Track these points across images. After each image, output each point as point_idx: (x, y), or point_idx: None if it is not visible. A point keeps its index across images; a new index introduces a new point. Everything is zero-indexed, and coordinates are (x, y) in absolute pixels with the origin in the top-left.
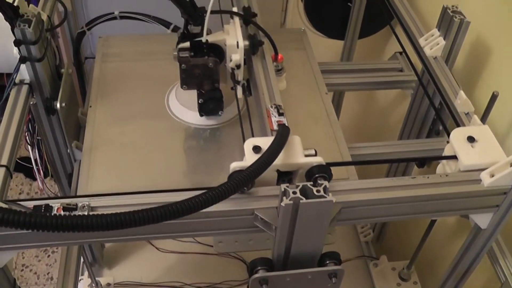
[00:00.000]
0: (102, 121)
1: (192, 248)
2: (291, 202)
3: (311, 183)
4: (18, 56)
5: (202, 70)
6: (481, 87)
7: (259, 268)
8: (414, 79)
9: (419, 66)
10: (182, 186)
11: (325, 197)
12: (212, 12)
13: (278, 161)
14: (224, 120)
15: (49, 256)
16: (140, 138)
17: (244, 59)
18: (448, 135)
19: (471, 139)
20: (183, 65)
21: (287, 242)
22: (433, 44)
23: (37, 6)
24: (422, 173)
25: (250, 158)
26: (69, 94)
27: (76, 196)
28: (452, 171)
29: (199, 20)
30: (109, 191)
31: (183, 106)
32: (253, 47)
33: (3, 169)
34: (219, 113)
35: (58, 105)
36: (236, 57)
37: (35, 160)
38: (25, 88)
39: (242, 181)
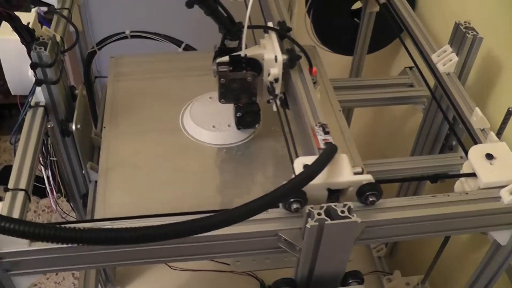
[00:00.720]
0: (117, 142)
1: (205, 266)
2: (316, 223)
3: (335, 203)
4: (33, 79)
5: (240, 84)
6: (493, 103)
7: None
8: (425, 94)
9: (430, 81)
10: (201, 208)
11: (350, 218)
12: (249, 27)
13: (328, 179)
14: (240, 139)
15: (57, 274)
16: (156, 159)
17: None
18: (465, 151)
19: (489, 156)
20: (222, 79)
21: (311, 262)
22: (445, 60)
23: (48, 27)
24: (435, 189)
25: None
26: (83, 115)
27: (97, 220)
28: (471, 189)
29: (237, 35)
30: (127, 214)
31: (198, 126)
32: (291, 61)
33: (22, 193)
34: (256, 126)
35: (73, 127)
36: (274, 71)
37: (48, 180)
38: (40, 111)
39: (283, 194)
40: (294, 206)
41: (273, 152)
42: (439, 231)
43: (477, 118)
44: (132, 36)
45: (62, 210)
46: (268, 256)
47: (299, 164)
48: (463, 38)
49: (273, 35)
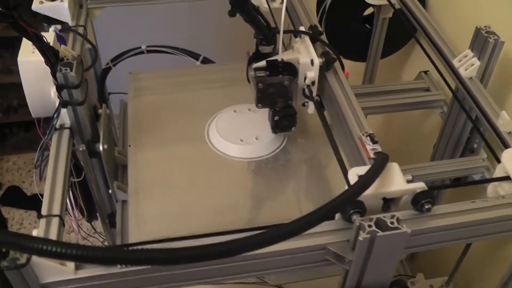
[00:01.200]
0: (143, 160)
1: None
2: (368, 236)
3: (383, 215)
4: (57, 100)
5: (277, 88)
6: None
7: None
8: (442, 98)
9: (447, 84)
10: (239, 224)
11: (400, 229)
12: (284, 32)
13: (383, 189)
14: (269, 152)
15: None
16: (185, 176)
17: None
18: (494, 153)
19: None
20: (259, 84)
21: (360, 273)
22: (467, 65)
23: (65, 46)
24: (454, 193)
25: None
26: (107, 134)
27: (142, 243)
28: (506, 192)
29: (272, 40)
30: (162, 234)
31: (226, 140)
32: (327, 64)
33: (56, 219)
34: (292, 129)
35: (101, 147)
36: (311, 74)
37: (71, 202)
38: (66, 133)
39: (339, 205)
40: (354, 217)
41: (303, 163)
42: (476, 236)
43: (503, 121)
44: (149, 51)
45: (83, 231)
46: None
47: (353, 174)
48: (484, 42)
49: (307, 39)
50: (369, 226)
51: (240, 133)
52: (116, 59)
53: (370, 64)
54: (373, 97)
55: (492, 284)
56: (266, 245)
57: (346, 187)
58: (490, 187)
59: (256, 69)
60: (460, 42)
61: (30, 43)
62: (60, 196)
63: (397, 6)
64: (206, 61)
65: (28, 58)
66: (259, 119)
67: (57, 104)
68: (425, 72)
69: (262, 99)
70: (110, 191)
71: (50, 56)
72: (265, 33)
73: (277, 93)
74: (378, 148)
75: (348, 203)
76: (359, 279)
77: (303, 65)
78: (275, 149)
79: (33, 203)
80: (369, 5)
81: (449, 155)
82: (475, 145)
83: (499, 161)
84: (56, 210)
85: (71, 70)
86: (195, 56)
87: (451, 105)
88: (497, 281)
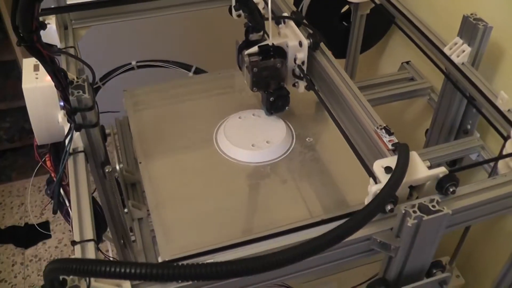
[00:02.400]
0: (157, 175)
1: None
2: (416, 221)
3: (423, 199)
4: (66, 125)
5: (270, 71)
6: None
7: None
8: (429, 85)
9: (435, 72)
10: (264, 227)
11: (442, 211)
12: (272, 18)
13: (410, 177)
14: (281, 154)
15: None
16: (201, 186)
17: None
18: (497, 130)
19: None
20: (254, 68)
21: (405, 259)
22: (458, 51)
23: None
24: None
25: (384, 178)
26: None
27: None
28: None
29: (262, 28)
30: (193, 246)
31: (237, 147)
32: (315, 44)
33: (91, 244)
34: (286, 108)
35: (117, 167)
36: (301, 55)
37: None
38: (81, 157)
39: (384, 199)
40: (389, 207)
41: (315, 162)
42: (497, 211)
43: (503, 101)
44: (139, 67)
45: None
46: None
47: (378, 167)
48: (473, 29)
49: (292, 24)
50: (414, 212)
51: (250, 138)
52: (106, 78)
53: (350, 60)
54: (363, 90)
55: (491, 260)
56: (325, 248)
57: (371, 181)
58: (501, 164)
59: (249, 54)
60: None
61: (31, 69)
62: (89, 220)
63: (378, 1)
64: (198, 71)
65: (33, 84)
66: (266, 123)
67: (66, 128)
68: (407, 62)
69: (257, 83)
70: (125, 210)
71: (62, 79)
72: (258, 20)
73: (270, 76)
74: (395, 139)
75: (391, 196)
76: (403, 265)
77: (292, 47)
78: (286, 150)
79: (8, 235)
80: (347, 2)
81: (444, 139)
82: (469, 126)
83: (505, 139)
84: (89, 234)
85: (84, 92)
86: (187, 67)
87: (443, 90)
88: (496, 256)
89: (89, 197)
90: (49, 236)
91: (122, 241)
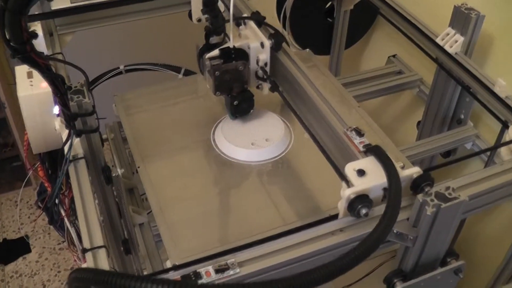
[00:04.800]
0: (158, 179)
1: None
2: (434, 209)
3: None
4: (63, 132)
5: (232, 74)
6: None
7: (395, 280)
8: (418, 78)
9: (423, 63)
10: (270, 225)
11: (459, 198)
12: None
13: (383, 179)
14: (281, 151)
15: None
16: (203, 187)
17: None
18: (497, 117)
19: None
20: (216, 72)
21: (422, 248)
22: (451, 42)
23: None
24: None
25: (356, 181)
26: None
27: (208, 258)
28: None
29: (222, 30)
30: (202, 249)
31: (237, 146)
32: (277, 44)
33: (103, 250)
34: (250, 111)
35: (119, 172)
36: (263, 56)
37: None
38: (82, 163)
39: (396, 209)
40: (363, 211)
41: (314, 158)
42: (506, 195)
43: (500, 88)
44: (127, 71)
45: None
46: None
47: (351, 170)
48: (466, 18)
49: (252, 24)
50: (431, 200)
51: (249, 138)
52: (94, 83)
53: (335, 56)
54: (350, 87)
55: (489, 251)
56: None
57: (344, 184)
58: (504, 150)
59: (210, 58)
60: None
61: (25, 76)
62: (98, 227)
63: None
64: (188, 73)
65: (29, 92)
66: (262, 122)
67: (63, 136)
68: (393, 56)
69: (220, 87)
70: (126, 216)
71: (60, 85)
72: (220, 23)
73: (233, 79)
74: (366, 140)
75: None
76: (419, 255)
77: (254, 49)
78: (286, 148)
79: None
80: None
81: (437, 130)
82: (462, 116)
83: (505, 125)
84: (99, 241)
85: (84, 97)
86: (177, 69)
87: (435, 80)
88: (494, 241)
89: (94, 204)
90: (29, 251)
91: (122, 248)
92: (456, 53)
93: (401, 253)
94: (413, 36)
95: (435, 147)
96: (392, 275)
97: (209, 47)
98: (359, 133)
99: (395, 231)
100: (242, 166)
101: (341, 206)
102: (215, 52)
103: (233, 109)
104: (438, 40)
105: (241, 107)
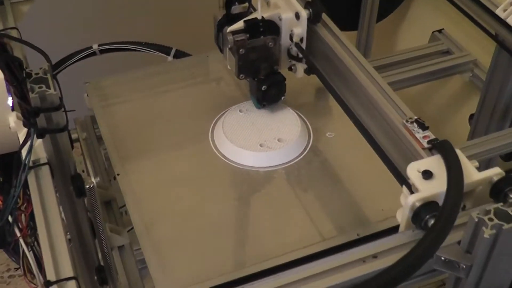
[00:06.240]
0: (142, 190)
1: None
2: (494, 231)
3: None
4: (20, 131)
5: (260, 53)
6: None
7: None
8: (471, 59)
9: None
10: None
11: None
12: None
13: None
14: (297, 154)
15: None
16: (200, 201)
17: None
18: None
19: None
20: (241, 49)
21: (478, 279)
22: None
23: None
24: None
25: (422, 186)
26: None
27: None
28: None
29: None
30: (197, 279)
31: (242, 148)
32: (316, 16)
33: (72, 282)
34: (282, 98)
35: (93, 181)
36: (298, 30)
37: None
38: (45, 171)
39: (451, 219)
40: (432, 222)
41: (337, 161)
42: None
43: None
44: (103, 51)
45: None
46: None
47: (414, 171)
48: None
49: None
50: (490, 219)
51: (257, 137)
52: (58, 67)
53: (364, 32)
54: (385, 70)
55: None
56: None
57: (405, 189)
58: None
59: (233, 32)
60: None
61: None
62: (66, 253)
63: None
64: (180, 54)
65: None
66: (273, 117)
67: (20, 136)
68: (439, 31)
69: (244, 68)
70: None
71: (17, 71)
72: None
73: (260, 58)
74: (431, 134)
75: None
76: (476, 285)
77: (287, 20)
78: (303, 150)
79: None
80: None
81: (495, 125)
82: None
83: None
84: (67, 271)
85: (48, 87)
86: (166, 50)
87: (494, 63)
88: None
89: (62, 224)
90: None
91: (95, 278)
92: None
93: (451, 285)
94: (465, 5)
95: (493, 147)
96: None
97: (230, 19)
98: (423, 126)
99: (442, 257)
100: (248, 173)
101: (403, 216)
102: (239, 24)
103: (260, 96)
104: (498, 12)
105: (270, 93)
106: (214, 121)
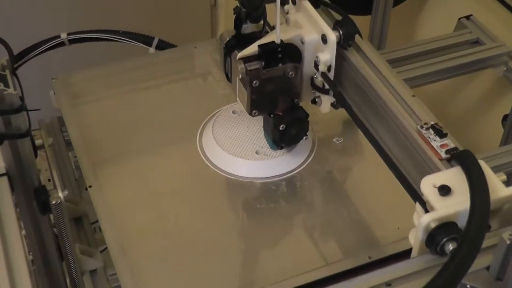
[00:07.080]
0: (119, 204)
1: None
2: None
3: None
4: None
5: (277, 84)
6: None
7: None
8: (505, 50)
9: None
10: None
11: None
12: None
13: None
14: (300, 163)
15: None
16: (186, 217)
17: None
18: None
19: None
20: (254, 81)
21: None
22: None
23: None
24: None
25: (438, 203)
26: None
27: None
28: None
29: (262, 14)
30: None
31: (236, 156)
32: (347, 39)
33: None
34: (304, 138)
35: (60, 195)
36: (325, 56)
37: None
38: (3, 183)
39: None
40: (450, 247)
41: (345, 171)
42: None
43: None
44: (72, 41)
45: None
46: None
47: (429, 186)
48: None
49: (307, 4)
50: None
51: (252, 143)
52: (22, 57)
53: (379, 17)
54: (398, 65)
55: None
56: None
57: (418, 207)
58: None
59: (245, 59)
60: None
61: None
62: (27, 277)
63: None
64: (163, 45)
65: None
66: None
67: None
68: (467, 17)
69: (258, 103)
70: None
71: None
72: (258, 3)
73: (278, 91)
74: (450, 143)
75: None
76: None
77: (311, 44)
78: (306, 158)
79: None
80: None
81: None
82: None
83: None
84: None
85: (7, 86)
86: (147, 40)
87: None
88: None
89: (23, 244)
90: None
91: None
92: None
93: None
94: None
95: None
96: None
97: (241, 40)
98: (440, 132)
99: (468, 286)
100: (242, 185)
101: (416, 238)
102: (252, 48)
103: (277, 136)
104: None
105: (290, 132)
106: (202, 124)
